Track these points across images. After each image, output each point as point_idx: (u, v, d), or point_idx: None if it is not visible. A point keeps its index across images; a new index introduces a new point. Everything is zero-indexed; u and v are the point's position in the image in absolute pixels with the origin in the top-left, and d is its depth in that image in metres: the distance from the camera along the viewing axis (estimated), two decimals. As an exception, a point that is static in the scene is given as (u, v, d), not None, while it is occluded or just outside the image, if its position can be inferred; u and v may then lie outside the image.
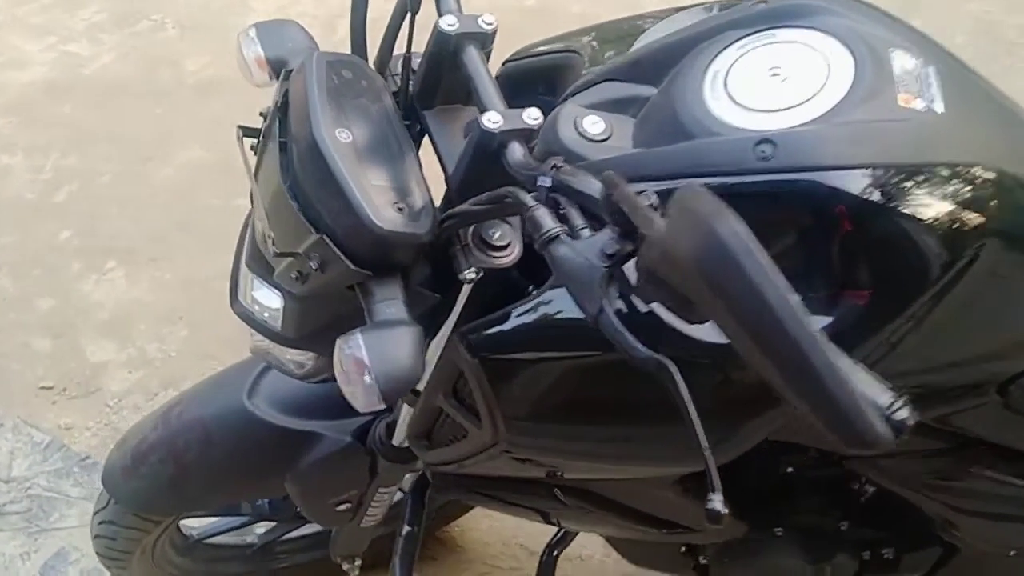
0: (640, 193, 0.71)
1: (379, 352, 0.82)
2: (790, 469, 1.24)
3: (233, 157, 2.84)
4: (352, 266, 0.84)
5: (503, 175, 0.87)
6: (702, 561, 1.42)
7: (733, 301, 0.56)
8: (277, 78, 0.99)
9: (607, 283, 0.75)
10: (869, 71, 0.87)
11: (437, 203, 0.91)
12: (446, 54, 0.92)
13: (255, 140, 0.97)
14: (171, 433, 1.28)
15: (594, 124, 0.95)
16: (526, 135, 0.87)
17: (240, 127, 0.95)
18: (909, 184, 0.84)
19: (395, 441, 1.20)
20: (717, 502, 0.70)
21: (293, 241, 0.88)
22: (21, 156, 2.65)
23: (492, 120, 0.85)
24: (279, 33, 1.01)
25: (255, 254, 0.98)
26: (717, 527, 0.70)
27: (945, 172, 0.86)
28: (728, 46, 0.93)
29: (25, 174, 2.60)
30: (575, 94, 1.00)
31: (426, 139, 1.00)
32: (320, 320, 0.96)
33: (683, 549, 1.41)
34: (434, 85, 0.95)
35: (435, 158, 0.97)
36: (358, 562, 1.52)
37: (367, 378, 0.82)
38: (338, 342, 0.84)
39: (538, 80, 1.09)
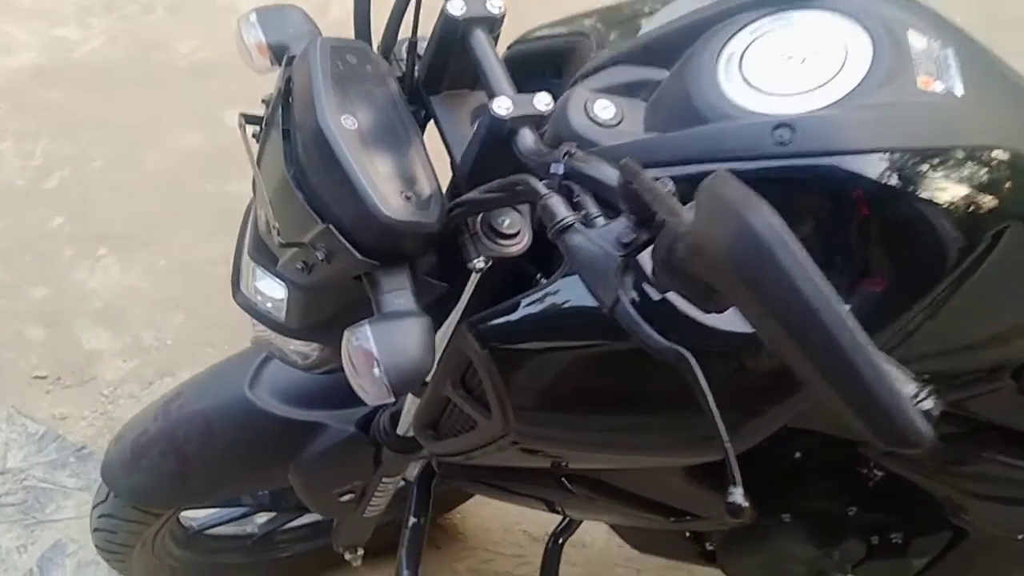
0: (656, 180, 0.69)
1: (388, 344, 0.80)
2: (798, 454, 1.23)
3: (226, 141, 2.82)
4: (359, 256, 0.83)
5: (513, 162, 0.85)
6: (708, 547, 1.41)
7: (768, 295, 0.54)
8: (279, 64, 0.97)
9: (623, 273, 0.73)
10: (887, 53, 0.85)
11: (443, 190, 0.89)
12: (453, 39, 0.90)
13: (257, 128, 0.94)
14: (172, 425, 1.26)
15: (605, 109, 0.93)
16: (537, 121, 0.85)
17: (242, 115, 0.92)
18: (929, 168, 0.83)
19: (400, 431, 1.19)
20: (738, 495, 0.69)
21: (298, 231, 0.86)
22: (11, 142, 2.61)
23: (502, 106, 0.83)
24: (280, 18, 0.98)
25: (258, 244, 0.96)
26: (738, 520, 0.69)
27: (965, 155, 0.84)
28: (742, 28, 0.91)
29: (15, 160, 2.56)
30: (584, 78, 0.98)
31: (431, 125, 0.98)
32: (325, 311, 0.94)
33: (688, 535, 1.41)
34: (440, 70, 0.92)
35: (439, 144, 0.95)
36: (361, 552, 1.51)
37: (376, 371, 0.80)
38: (346, 334, 0.82)
39: (545, 64, 1.07)
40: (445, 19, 0.88)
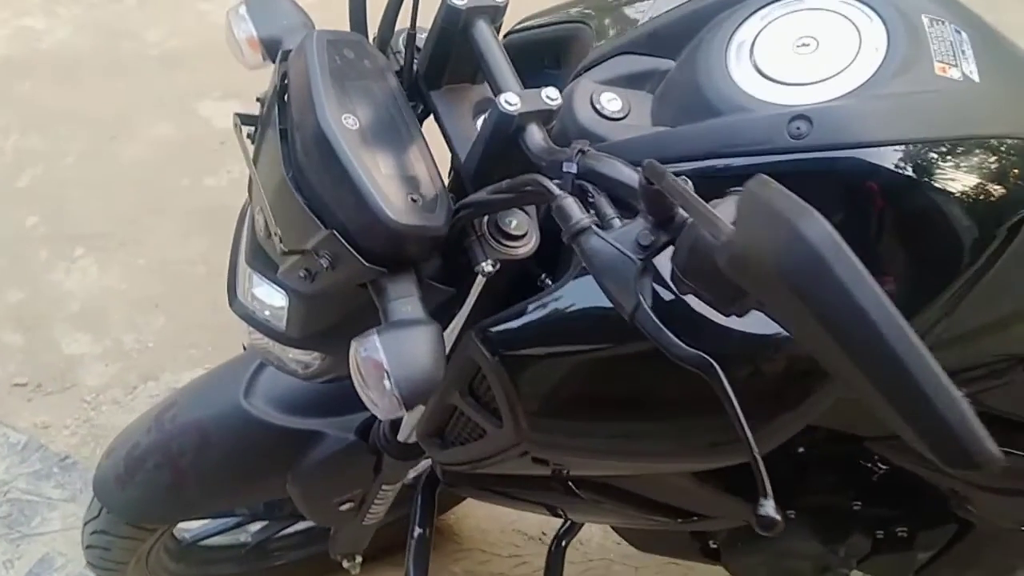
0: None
1: (397, 354, 0.77)
2: (801, 449, 1.21)
3: (200, 132, 2.77)
4: (366, 263, 0.79)
5: (520, 160, 0.82)
6: (712, 545, 1.39)
7: (823, 310, 0.51)
8: (271, 59, 0.93)
9: (642, 276, 0.70)
10: (903, 39, 0.83)
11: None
12: (455, 30, 0.86)
13: (252, 128, 0.90)
14: (165, 438, 1.22)
15: (611, 101, 0.90)
16: (545, 116, 0.82)
17: (237, 115, 0.88)
18: (949, 158, 0.80)
19: (401, 438, 1.15)
20: (769, 507, 0.66)
21: (300, 237, 0.83)
22: (-20, 138, 2.55)
23: (510, 102, 0.80)
24: (271, 9, 0.94)
25: (256, 250, 0.92)
26: (770, 533, 0.67)
27: (985, 144, 0.82)
28: (751, 15, 0.89)
29: (-16, 158, 2.50)
30: (588, 69, 0.95)
31: (429, 120, 0.94)
32: (328, 319, 0.91)
33: (691, 533, 1.39)
34: (442, 63, 0.89)
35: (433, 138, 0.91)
36: (359, 559, 1.47)
37: (387, 383, 0.76)
38: (353, 344, 0.79)
39: (544, 53, 1.04)
40: (447, 9, 0.85)
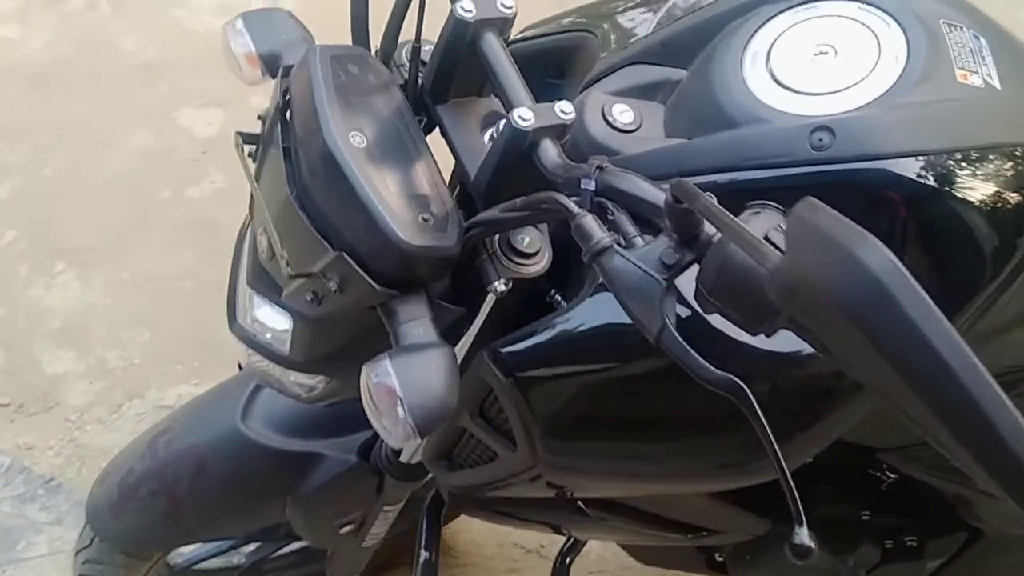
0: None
1: (410, 380, 0.74)
2: (809, 460, 1.19)
3: (181, 142, 2.71)
4: (377, 286, 0.76)
5: (533, 176, 0.79)
6: (718, 558, 1.37)
7: (888, 344, 0.48)
8: (270, 75, 0.90)
9: (666, 296, 0.68)
10: (923, 46, 0.81)
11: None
12: (462, 43, 0.83)
13: (252, 146, 0.87)
14: (160, 464, 1.19)
15: (623, 113, 0.88)
16: (559, 131, 0.79)
17: (239, 133, 0.85)
18: (974, 168, 0.79)
19: (404, 459, 1.12)
20: (803, 536, 0.65)
21: (306, 259, 0.80)
22: (-46, 152, 2.49)
23: (523, 117, 0.77)
24: (269, 23, 0.91)
25: (257, 271, 0.89)
26: (805, 562, 0.65)
27: (1010, 152, 0.80)
28: (765, 23, 0.87)
29: (-39, 172, 2.45)
30: (597, 80, 0.92)
31: (434, 134, 0.92)
32: (335, 342, 0.88)
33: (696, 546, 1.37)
34: (448, 77, 0.86)
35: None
36: (356, 581, 1.44)
37: (400, 410, 0.74)
38: (364, 370, 0.76)
39: (548, 63, 1.01)
40: (454, 22, 0.82)
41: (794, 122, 0.79)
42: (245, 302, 0.93)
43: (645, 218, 0.72)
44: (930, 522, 1.28)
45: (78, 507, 1.80)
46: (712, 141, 0.82)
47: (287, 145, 0.81)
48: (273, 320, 0.90)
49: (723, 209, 0.60)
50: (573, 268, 0.90)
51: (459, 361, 0.89)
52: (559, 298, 0.93)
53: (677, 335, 0.67)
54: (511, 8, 0.83)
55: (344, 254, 0.76)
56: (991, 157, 0.79)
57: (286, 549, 1.59)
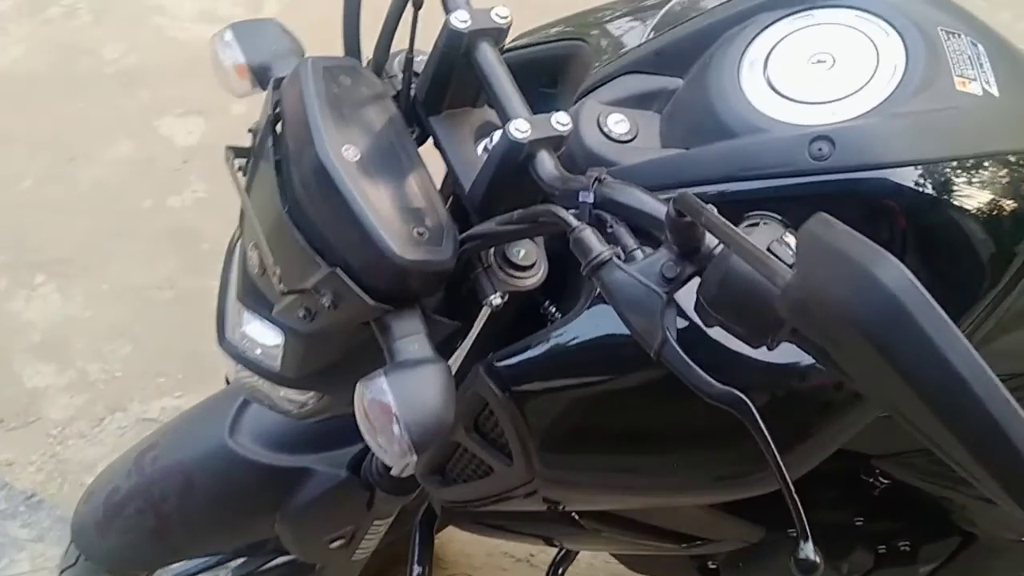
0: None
1: (406, 397, 0.73)
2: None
3: (161, 151, 2.68)
4: (372, 302, 0.75)
5: (529, 188, 0.78)
6: (711, 566, 1.36)
7: (906, 363, 0.47)
8: (260, 87, 0.88)
9: (667, 310, 0.67)
10: (921, 54, 0.80)
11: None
12: (457, 54, 0.82)
13: (244, 160, 0.85)
14: (147, 481, 1.16)
15: (619, 123, 0.87)
16: (555, 143, 0.78)
17: (229, 148, 0.83)
18: (974, 176, 0.78)
19: (395, 472, 1.11)
20: (809, 551, 0.64)
21: (299, 275, 0.78)
22: (-70, 163, 2.45)
23: (520, 129, 0.76)
24: (258, 34, 0.90)
25: (248, 286, 0.87)
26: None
27: (1009, 160, 0.79)
28: (762, 31, 0.86)
29: (-64, 184, 2.41)
30: (592, 90, 0.91)
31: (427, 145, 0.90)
32: (327, 357, 0.86)
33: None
34: (443, 88, 0.84)
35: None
36: (344, 595, 1.42)
37: (396, 428, 0.72)
38: (358, 387, 0.75)
39: (540, 72, 1.00)
40: (449, 33, 0.80)
41: (793, 132, 0.78)
42: (234, 317, 0.91)
43: (643, 230, 0.71)
44: (923, 527, 1.28)
45: (60, 523, 1.77)
46: (710, 151, 0.81)
47: (279, 158, 0.79)
48: (263, 335, 0.88)
49: (729, 223, 0.59)
50: (567, 279, 0.89)
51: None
52: (553, 309, 0.92)
53: (679, 349, 0.66)
54: (506, 18, 0.82)
55: (338, 270, 0.75)
56: (990, 165, 0.79)
57: (273, 563, 1.57)
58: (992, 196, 0.78)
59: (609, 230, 0.71)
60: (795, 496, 0.64)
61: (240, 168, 0.85)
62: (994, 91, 0.81)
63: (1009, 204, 0.79)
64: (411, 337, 0.77)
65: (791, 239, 0.61)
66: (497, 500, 0.93)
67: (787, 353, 0.68)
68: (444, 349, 0.86)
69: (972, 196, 0.78)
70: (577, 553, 1.43)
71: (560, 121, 0.78)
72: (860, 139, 0.76)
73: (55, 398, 2.01)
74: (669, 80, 0.90)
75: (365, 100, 0.83)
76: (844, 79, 0.80)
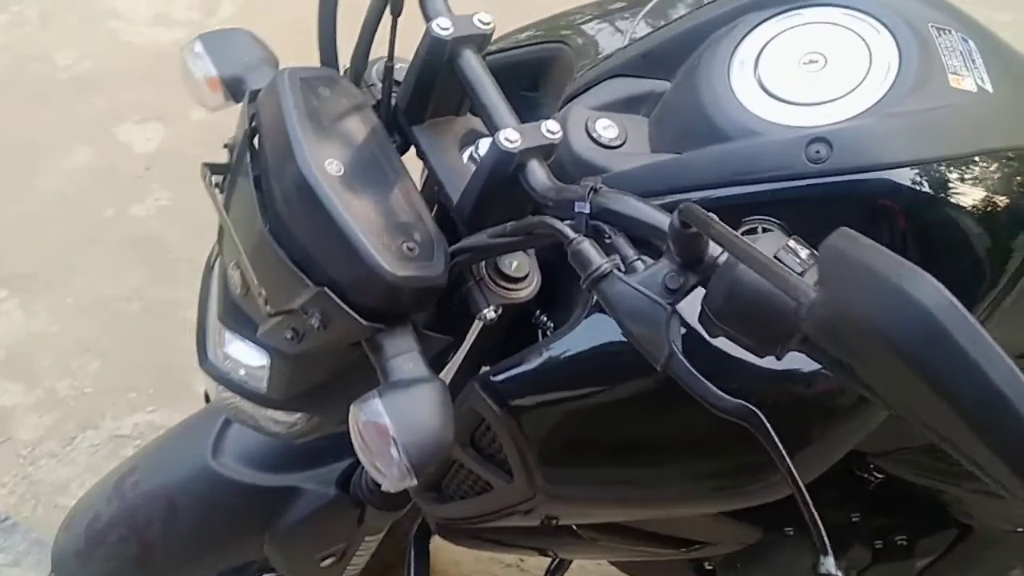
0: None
1: (403, 418, 0.71)
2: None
3: (121, 159, 2.61)
4: (363, 322, 0.72)
5: (520, 197, 0.76)
6: (708, 567, 1.35)
7: (944, 382, 0.46)
8: (233, 99, 0.85)
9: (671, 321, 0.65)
10: (914, 52, 0.79)
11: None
12: (440, 62, 0.79)
13: (220, 177, 0.82)
14: (128, 507, 1.13)
15: (607, 128, 0.85)
16: (547, 152, 0.76)
17: (206, 165, 0.80)
18: (972, 174, 0.77)
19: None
20: (830, 565, 0.62)
21: (285, 295, 0.75)
22: None
23: (510, 139, 0.74)
24: (229, 44, 0.86)
25: (230, 307, 0.84)
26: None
27: (1006, 157, 0.79)
28: (751, 31, 0.84)
29: None
30: (578, 95, 0.89)
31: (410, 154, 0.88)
32: (315, 378, 0.84)
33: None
34: (425, 97, 0.82)
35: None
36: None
37: (394, 451, 0.70)
38: (353, 409, 0.72)
39: (521, 75, 0.98)
40: (431, 40, 0.78)
41: (789, 134, 0.77)
42: (216, 338, 0.88)
43: (647, 241, 0.69)
44: (919, 521, 1.28)
45: (37, 547, 1.72)
46: (703, 155, 0.79)
47: (257, 174, 0.77)
48: (247, 356, 0.85)
49: (739, 235, 0.57)
50: (557, 286, 0.87)
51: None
52: (545, 319, 0.90)
53: (685, 361, 0.64)
54: (488, 24, 0.80)
55: (326, 289, 0.72)
56: (988, 163, 0.78)
57: (258, 581, 1.54)
58: (991, 194, 0.77)
59: (607, 241, 0.69)
60: (813, 510, 0.62)
61: (217, 185, 0.82)
62: (988, 87, 0.80)
63: (1008, 202, 0.78)
64: (405, 356, 0.75)
65: (796, 245, 0.60)
66: (497, 517, 0.91)
67: (791, 359, 0.67)
68: (435, 363, 0.84)
69: (972, 195, 0.77)
70: (571, 562, 1.42)
71: (551, 129, 0.76)
72: (858, 140, 0.75)
73: (24, 417, 1.95)
74: (656, 83, 0.88)
75: (345, 111, 0.80)
76: (837, 79, 0.79)
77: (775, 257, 0.58)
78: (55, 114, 2.54)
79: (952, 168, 0.76)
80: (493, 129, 0.76)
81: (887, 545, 1.27)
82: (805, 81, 0.80)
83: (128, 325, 2.09)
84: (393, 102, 0.84)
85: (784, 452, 0.62)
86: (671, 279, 0.65)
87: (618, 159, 0.83)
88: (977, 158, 0.77)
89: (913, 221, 0.76)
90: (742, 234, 0.59)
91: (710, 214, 0.58)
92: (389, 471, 0.71)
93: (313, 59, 0.85)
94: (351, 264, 0.72)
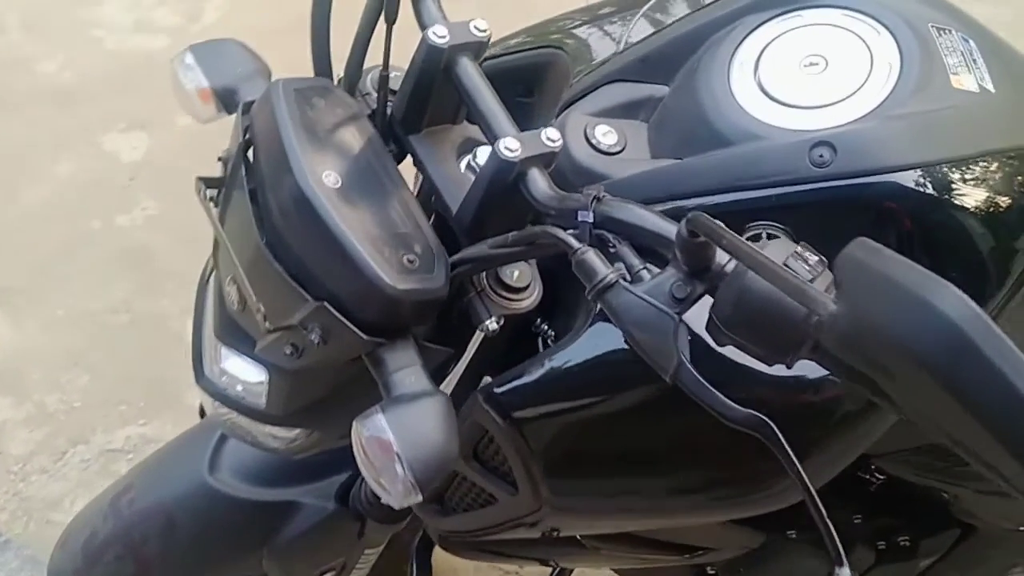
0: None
1: (407, 433, 0.69)
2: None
3: (106, 168, 2.58)
4: (364, 336, 0.71)
5: (520, 207, 0.75)
6: (710, 571, 1.34)
7: (972, 396, 0.45)
8: (226, 111, 0.83)
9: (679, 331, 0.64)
10: (916, 53, 0.79)
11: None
12: (436, 70, 0.78)
13: (215, 191, 0.81)
14: (125, 524, 1.11)
15: (606, 134, 0.85)
16: (547, 160, 0.75)
17: (200, 179, 0.79)
18: (977, 176, 0.77)
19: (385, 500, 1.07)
20: (845, 574, 0.61)
21: (283, 310, 0.74)
22: None
23: (510, 148, 0.72)
24: (221, 55, 0.85)
25: (226, 323, 0.83)
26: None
27: (1009, 157, 0.78)
28: (750, 33, 0.83)
29: None
30: (576, 100, 0.88)
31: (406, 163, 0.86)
32: (315, 393, 0.82)
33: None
34: (422, 106, 0.81)
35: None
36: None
37: (398, 468, 0.69)
38: (355, 425, 0.71)
39: (516, 81, 0.96)
40: (427, 48, 0.77)
41: (791, 138, 0.76)
42: (212, 353, 0.86)
43: (651, 250, 0.68)
44: (922, 521, 1.27)
45: (30, 564, 1.70)
46: (705, 161, 0.78)
47: (253, 187, 0.75)
48: (245, 372, 0.84)
49: (751, 245, 0.56)
50: (558, 295, 0.86)
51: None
52: (546, 327, 0.89)
53: (694, 371, 0.63)
54: (485, 32, 0.78)
55: (326, 304, 0.71)
56: (992, 163, 0.77)
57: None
58: (996, 195, 0.77)
59: (612, 250, 0.68)
60: (827, 519, 0.61)
61: (212, 199, 0.80)
62: (990, 87, 0.79)
63: (1012, 202, 0.77)
64: (407, 370, 0.74)
65: (804, 251, 0.59)
66: (503, 529, 0.90)
67: (797, 365, 0.66)
68: (436, 375, 0.83)
69: (976, 196, 0.76)
70: (573, 570, 1.41)
71: (551, 137, 0.74)
72: (862, 143, 0.74)
73: (14, 432, 1.93)
74: (655, 88, 0.87)
75: (341, 122, 0.79)
76: (839, 81, 0.78)
77: (784, 264, 0.58)
78: (39, 124, 2.52)
79: (956, 169, 0.75)
80: (492, 138, 0.75)
81: (890, 546, 1.27)
82: (806, 84, 0.79)
83: (117, 337, 2.07)
84: (389, 111, 0.83)
85: (795, 458, 0.61)
86: (678, 288, 0.64)
87: (618, 166, 0.82)
88: (981, 159, 0.76)
89: (919, 224, 0.75)
90: (747, 240, 0.59)
91: (719, 223, 0.57)
92: (394, 487, 0.70)
93: (300, 64, 0.84)
94: (351, 278, 0.70)
